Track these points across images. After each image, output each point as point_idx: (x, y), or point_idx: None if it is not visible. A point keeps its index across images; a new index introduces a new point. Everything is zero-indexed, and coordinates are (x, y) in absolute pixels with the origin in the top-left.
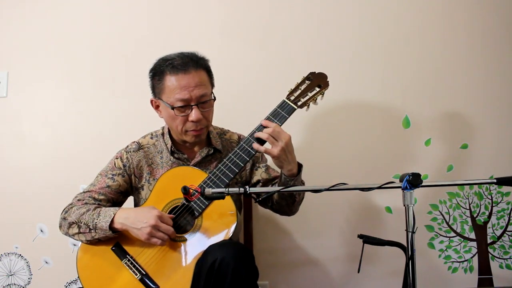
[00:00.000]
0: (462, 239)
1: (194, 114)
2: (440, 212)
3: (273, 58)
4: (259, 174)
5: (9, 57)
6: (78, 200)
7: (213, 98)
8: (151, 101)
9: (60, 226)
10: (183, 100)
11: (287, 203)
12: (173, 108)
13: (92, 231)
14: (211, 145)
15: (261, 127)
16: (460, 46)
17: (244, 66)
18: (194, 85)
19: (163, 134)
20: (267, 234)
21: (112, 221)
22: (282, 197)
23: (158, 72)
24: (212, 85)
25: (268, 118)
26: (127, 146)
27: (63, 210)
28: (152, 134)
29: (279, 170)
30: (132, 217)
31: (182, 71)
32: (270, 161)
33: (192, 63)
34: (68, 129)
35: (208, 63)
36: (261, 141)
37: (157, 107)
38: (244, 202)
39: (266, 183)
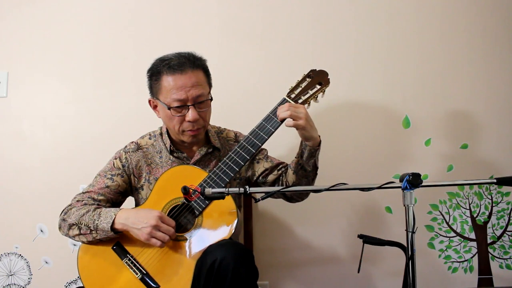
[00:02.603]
0: (462, 239)
1: (190, 114)
2: (440, 212)
3: (274, 58)
4: (262, 165)
5: (9, 57)
6: (77, 201)
7: (210, 98)
8: (149, 101)
9: (59, 228)
10: (180, 100)
11: (308, 180)
12: (169, 108)
13: (93, 232)
14: (210, 144)
15: (273, 117)
16: (460, 46)
17: (244, 65)
18: (191, 85)
19: (161, 134)
20: (267, 234)
21: (113, 222)
22: (303, 175)
23: (155, 72)
24: (210, 85)
25: (268, 116)
26: (126, 147)
27: (62, 211)
28: (150, 135)
29: (279, 158)
30: (132, 217)
31: (178, 71)
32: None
33: (189, 63)
34: (68, 129)
35: (206, 63)
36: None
37: (155, 107)
38: (244, 201)
39: (272, 170)
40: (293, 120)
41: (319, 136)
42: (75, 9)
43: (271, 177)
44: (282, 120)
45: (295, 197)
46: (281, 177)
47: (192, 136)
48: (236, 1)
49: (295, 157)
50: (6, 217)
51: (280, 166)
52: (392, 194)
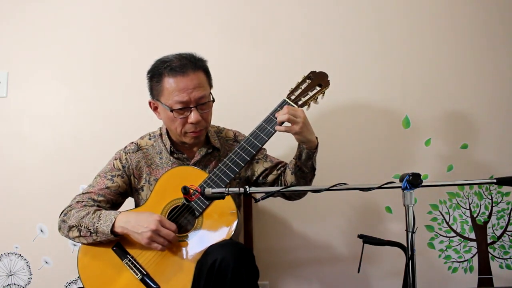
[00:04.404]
0: (462, 239)
1: (193, 116)
2: (440, 212)
3: (274, 58)
4: (262, 165)
5: (9, 57)
6: (77, 202)
7: (211, 99)
8: (149, 103)
9: (59, 228)
10: (182, 102)
11: (306, 181)
12: (172, 110)
13: (93, 234)
14: (209, 144)
15: (273, 118)
16: (460, 46)
17: (244, 66)
18: (193, 87)
19: (161, 134)
20: (267, 234)
21: (113, 225)
22: (301, 176)
23: (156, 74)
24: (211, 86)
25: (268, 117)
26: (126, 147)
27: (61, 212)
28: (150, 135)
29: (279, 157)
30: (132, 221)
31: (180, 73)
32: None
33: (191, 65)
34: (68, 129)
35: (206, 64)
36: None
37: (155, 109)
38: (244, 201)
39: (271, 170)
40: (290, 124)
41: (317, 138)
42: (75, 9)
43: (271, 177)
44: (281, 123)
45: (293, 196)
46: (280, 177)
47: (194, 138)
48: (236, 2)
49: (293, 158)
50: (6, 217)
51: (279, 165)
52: (392, 194)
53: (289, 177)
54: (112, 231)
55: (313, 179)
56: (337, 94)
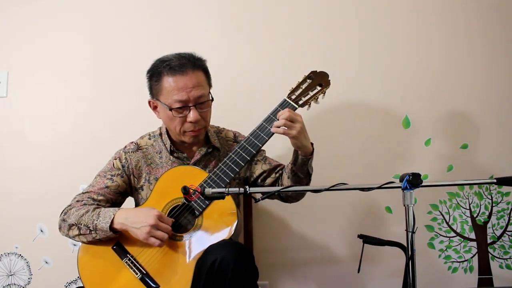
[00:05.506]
0: (462, 239)
1: (192, 115)
2: (440, 212)
3: (274, 58)
4: (260, 167)
5: (9, 57)
6: (77, 201)
7: (211, 98)
8: (149, 102)
9: (60, 228)
10: (181, 101)
11: (302, 186)
12: (171, 109)
13: (92, 232)
14: (209, 143)
15: (273, 118)
16: (460, 46)
17: (245, 66)
18: (192, 86)
19: (161, 134)
20: (267, 234)
21: (112, 222)
22: (297, 181)
23: (156, 73)
24: (210, 85)
25: (268, 117)
26: (125, 147)
27: (62, 212)
28: (149, 135)
29: (278, 158)
30: (131, 217)
31: (179, 72)
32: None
33: (190, 64)
34: (68, 129)
35: (206, 64)
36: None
37: (154, 108)
38: (244, 201)
39: (270, 173)
40: (287, 128)
41: (312, 144)
42: (75, 9)
43: (269, 180)
44: (279, 127)
45: (290, 199)
46: (278, 180)
47: (193, 137)
48: (236, 1)
49: (289, 163)
50: (6, 217)
51: (278, 168)
52: (392, 194)
53: (285, 181)
54: (111, 227)
55: (309, 183)
56: (338, 94)
